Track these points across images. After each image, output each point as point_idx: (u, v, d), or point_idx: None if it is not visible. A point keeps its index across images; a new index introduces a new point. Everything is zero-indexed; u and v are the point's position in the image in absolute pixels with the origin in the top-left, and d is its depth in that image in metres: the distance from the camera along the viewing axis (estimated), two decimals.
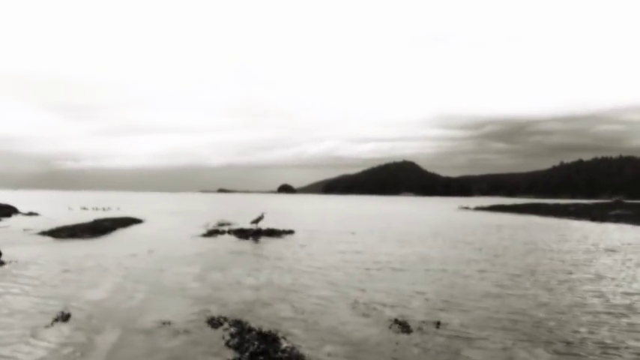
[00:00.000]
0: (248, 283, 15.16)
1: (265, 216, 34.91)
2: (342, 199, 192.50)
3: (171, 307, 11.88)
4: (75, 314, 10.99)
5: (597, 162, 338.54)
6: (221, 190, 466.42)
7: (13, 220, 43.00)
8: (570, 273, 17.74)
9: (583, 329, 10.44)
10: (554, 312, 11.91)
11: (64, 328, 9.95)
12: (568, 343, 9.48)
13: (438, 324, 10.70)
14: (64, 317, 10.62)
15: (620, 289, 14.73)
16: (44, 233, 29.28)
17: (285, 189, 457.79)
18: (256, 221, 32.65)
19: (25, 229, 32.49)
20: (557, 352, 8.98)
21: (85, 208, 66.44)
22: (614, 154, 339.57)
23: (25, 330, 9.81)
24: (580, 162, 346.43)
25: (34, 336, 9.47)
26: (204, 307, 11.92)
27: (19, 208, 55.95)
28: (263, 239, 28.45)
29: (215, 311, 11.52)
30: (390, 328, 10.38)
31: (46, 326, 10.09)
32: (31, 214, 51.37)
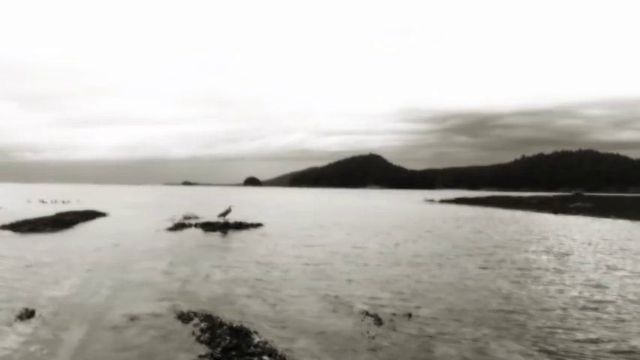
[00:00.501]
0: (217, 278, 15.00)
1: (233, 209, 34.63)
2: (309, 192, 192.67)
3: (139, 303, 11.66)
4: (39, 311, 10.67)
5: (557, 156, 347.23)
6: (186, 183, 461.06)
7: None
8: (536, 266, 18.12)
9: (551, 322, 10.65)
10: (522, 304, 12.12)
11: (29, 325, 9.65)
12: (537, 336, 9.65)
13: (409, 316, 10.78)
14: (28, 314, 10.30)
15: (586, 282, 15.12)
16: (4, 227, 28.39)
17: (252, 182, 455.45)
18: (224, 214, 32.37)
19: None
20: (527, 345, 9.14)
21: (43, 202, 64.74)
22: (574, 148, 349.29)
23: None
24: (541, 155, 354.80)
25: None
26: (173, 302, 11.73)
27: None
28: (231, 233, 28.21)
29: (184, 306, 11.35)
30: (362, 320, 10.41)
31: (9, 323, 9.76)
32: None
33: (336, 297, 12.48)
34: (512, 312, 11.33)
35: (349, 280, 14.67)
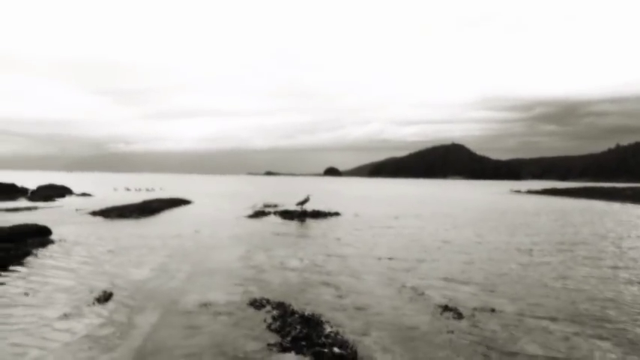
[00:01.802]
0: (292, 265, 14.81)
1: (311, 198, 34.59)
2: (389, 183, 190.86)
3: (213, 288, 11.64)
4: (117, 293, 10.87)
5: None
6: (268, 173, 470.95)
7: (67, 200, 44.19)
8: (632, 265, 16.67)
9: None
10: (619, 307, 11.03)
11: (105, 308, 9.81)
12: (634, 342, 8.67)
13: (492, 311, 10.06)
14: (107, 296, 10.50)
15: None
16: (95, 213, 29.81)
17: (331, 172, 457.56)
18: (302, 203, 32.39)
19: (77, 209, 33.21)
20: (623, 349, 8.22)
21: (128, 189, 67.99)
22: None
23: (67, 308, 9.72)
24: (637, 144, 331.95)
25: (76, 314, 9.35)
26: (246, 289, 11.63)
27: (73, 189, 57.61)
28: (308, 221, 28.13)
29: (257, 293, 11.20)
30: (440, 314, 9.80)
31: (88, 305, 9.98)
32: (84, 194, 52.79)
33: (414, 289, 11.90)
34: (605, 313, 10.31)
35: (428, 272, 14.02)
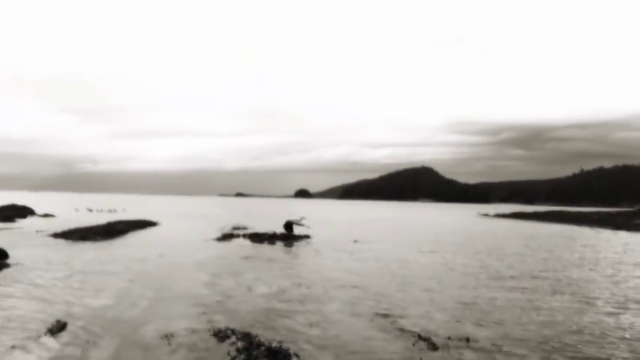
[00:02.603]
0: (260, 291, 14.29)
1: (304, 221, 34.62)
2: (359, 205, 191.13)
3: (176, 316, 11.05)
4: (72, 323, 10.20)
5: (618, 170, 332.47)
6: (239, 194, 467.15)
7: (28, 221, 42.73)
8: (601, 292, 16.63)
9: (621, 354, 9.37)
10: (588, 333, 10.83)
11: (58, 340, 9.14)
12: None
13: (467, 340, 9.72)
14: (60, 327, 9.83)
15: None
16: (56, 235, 28.74)
17: (302, 193, 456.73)
18: (295, 224, 32.48)
19: (37, 231, 32.04)
20: None
21: (90, 210, 66.33)
22: (636, 162, 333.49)
23: (15, 340, 9.02)
24: (601, 169, 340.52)
25: (24, 347, 8.67)
26: (211, 317, 11.07)
27: (37, 209, 55.85)
28: (278, 244, 27.59)
29: (223, 322, 10.66)
30: (414, 345, 9.41)
31: (39, 336, 9.29)
32: (46, 215, 51.19)
33: (386, 317, 11.51)
34: (578, 341, 10.07)
35: (400, 299, 13.66)
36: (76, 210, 67.01)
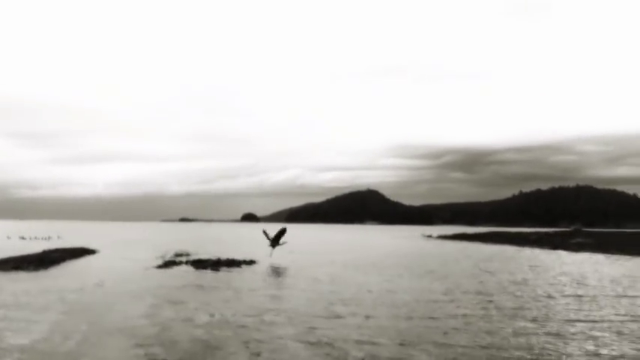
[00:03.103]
0: (201, 321, 13.88)
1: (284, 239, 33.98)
2: (306, 228, 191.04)
3: (111, 351, 10.56)
4: None
5: (555, 191, 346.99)
6: (183, 219, 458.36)
7: None
8: (546, 312, 17.09)
9: None
10: (530, 351, 11.05)
11: None
12: None
13: None
14: None
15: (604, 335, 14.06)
16: None
17: (249, 217, 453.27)
18: (275, 240, 31.99)
19: None
20: None
21: (23, 238, 63.32)
22: (571, 184, 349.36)
23: None
24: (538, 191, 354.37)
25: None
26: (149, 350, 10.63)
27: None
28: (222, 270, 27.04)
29: (161, 355, 10.26)
30: None
31: None
32: None
33: (330, 344, 11.37)
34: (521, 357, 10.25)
35: (344, 324, 13.55)
36: (8, 238, 63.88)
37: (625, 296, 19.05)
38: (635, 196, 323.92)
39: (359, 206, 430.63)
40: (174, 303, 16.65)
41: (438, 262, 35.01)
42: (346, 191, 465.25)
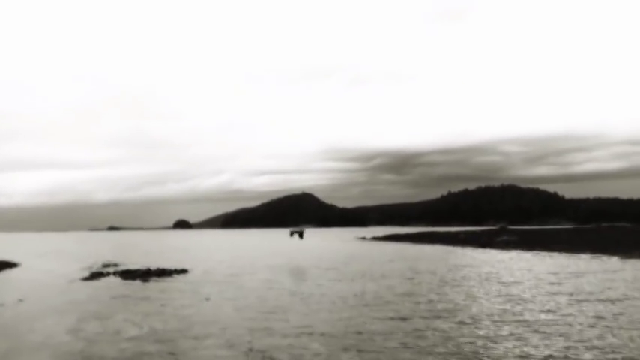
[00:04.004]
0: (130, 333, 13.53)
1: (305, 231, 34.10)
2: (240, 233, 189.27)
3: None
4: None
5: (481, 191, 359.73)
6: (111, 228, 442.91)
7: None
8: (477, 312, 17.70)
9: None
10: (459, 354, 11.47)
11: None
12: None
13: None
14: None
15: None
16: None
17: (181, 224, 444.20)
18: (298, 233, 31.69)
19: None
20: None
21: None
22: (496, 184, 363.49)
23: None
24: (466, 191, 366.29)
25: None
26: None
27: None
28: (152, 280, 26.39)
29: None
30: None
31: None
32: None
33: (261, 351, 11.37)
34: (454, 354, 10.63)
35: (275, 330, 13.58)
36: None
37: (551, 293, 20.04)
38: (555, 194, 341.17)
39: (294, 210, 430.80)
40: (101, 316, 16.14)
41: (371, 264, 35.58)
42: (281, 195, 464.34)
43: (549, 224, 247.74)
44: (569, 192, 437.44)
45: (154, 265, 31.63)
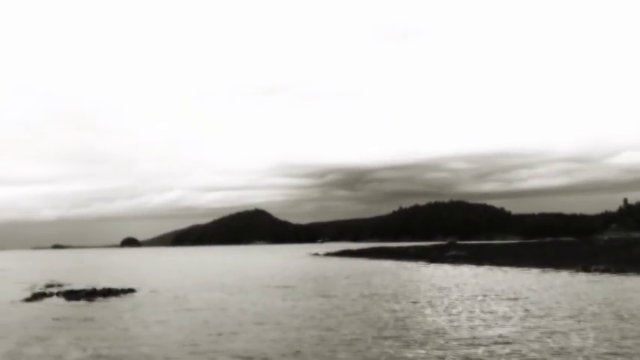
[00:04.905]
0: (72, 357, 13.08)
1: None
2: (192, 251, 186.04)
3: None
4: None
5: (431, 206, 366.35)
6: (56, 246, 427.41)
7: None
8: (427, 329, 17.92)
9: None
10: None
11: None
12: None
13: None
14: None
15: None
16: None
17: (130, 242, 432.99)
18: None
19: None
20: None
21: None
22: (445, 199, 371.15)
23: None
24: (416, 207, 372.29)
25: None
26: None
27: None
28: (98, 301, 25.58)
29: None
30: None
31: None
32: None
33: None
34: None
35: (223, 352, 13.39)
36: None
37: (507, 308, 20.51)
38: (502, 210, 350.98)
39: (247, 226, 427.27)
40: (43, 339, 15.52)
41: (322, 281, 35.60)
42: (233, 211, 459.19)
43: (496, 239, 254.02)
44: (515, 207, 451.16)
45: (99, 285, 30.69)
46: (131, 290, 29.52)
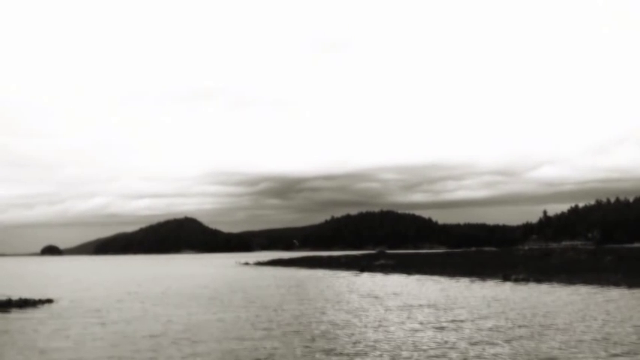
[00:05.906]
0: None
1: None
2: (116, 260, 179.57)
3: None
4: None
5: (362, 216, 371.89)
6: None
7: None
8: (356, 339, 18.05)
9: None
10: None
11: None
12: None
13: None
14: None
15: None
16: None
17: (50, 250, 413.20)
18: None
19: None
20: None
21: None
22: (376, 209, 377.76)
23: None
24: (348, 216, 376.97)
25: None
26: None
27: None
28: (13, 313, 24.18)
29: None
30: None
31: None
32: None
33: None
34: None
35: None
36: None
37: (429, 322, 20.98)
38: (430, 220, 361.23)
39: (175, 235, 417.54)
40: None
41: (251, 290, 35.29)
42: (162, 219, 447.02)
43: (424, 248, 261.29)
44: (442, 217, 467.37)
45: (15, 295, 28.99)
46: (49, 301, 28.13)
